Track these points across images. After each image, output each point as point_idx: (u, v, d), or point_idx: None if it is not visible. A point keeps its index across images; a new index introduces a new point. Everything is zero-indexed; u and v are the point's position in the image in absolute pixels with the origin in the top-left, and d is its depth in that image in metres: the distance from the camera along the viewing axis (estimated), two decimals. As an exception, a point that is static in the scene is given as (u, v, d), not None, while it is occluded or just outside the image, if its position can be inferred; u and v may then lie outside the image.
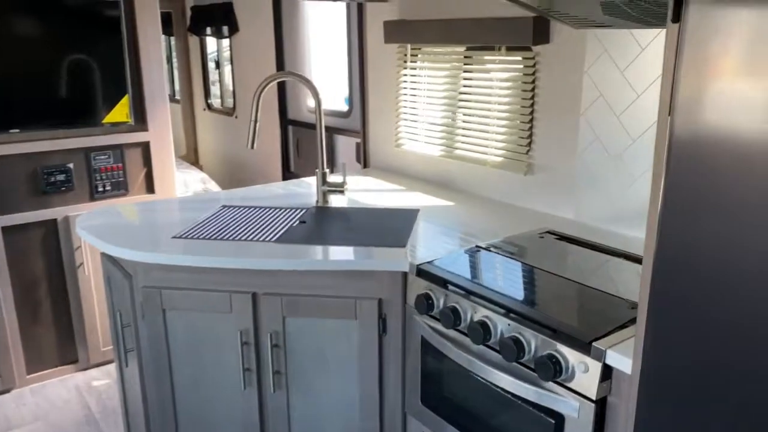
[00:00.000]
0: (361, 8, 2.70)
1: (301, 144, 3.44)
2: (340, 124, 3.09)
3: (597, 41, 1.80)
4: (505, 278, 1.50)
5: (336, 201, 2.23)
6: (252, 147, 2.07)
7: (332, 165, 3.21)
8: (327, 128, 3.18)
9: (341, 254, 1.68)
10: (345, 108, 3.09)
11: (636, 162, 1.76)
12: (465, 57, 2.24)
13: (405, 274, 1.66)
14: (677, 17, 0.86)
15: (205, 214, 2.07)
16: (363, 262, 1.64)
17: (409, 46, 2.47)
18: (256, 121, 2.06)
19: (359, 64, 2.78)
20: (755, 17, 0.79)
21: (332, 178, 2.50)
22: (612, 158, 1.82)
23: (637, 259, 1.61)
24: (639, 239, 1.78)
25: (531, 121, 2.04)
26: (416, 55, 2.46)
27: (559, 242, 1.76)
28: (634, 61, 1.71)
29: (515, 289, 1.44)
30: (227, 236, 1.84)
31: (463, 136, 2.31)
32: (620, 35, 1.74)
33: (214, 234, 1.86)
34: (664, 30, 1.63)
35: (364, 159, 2.89)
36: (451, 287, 1.50)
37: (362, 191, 2.39)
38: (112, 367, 2.99)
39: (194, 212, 2.10)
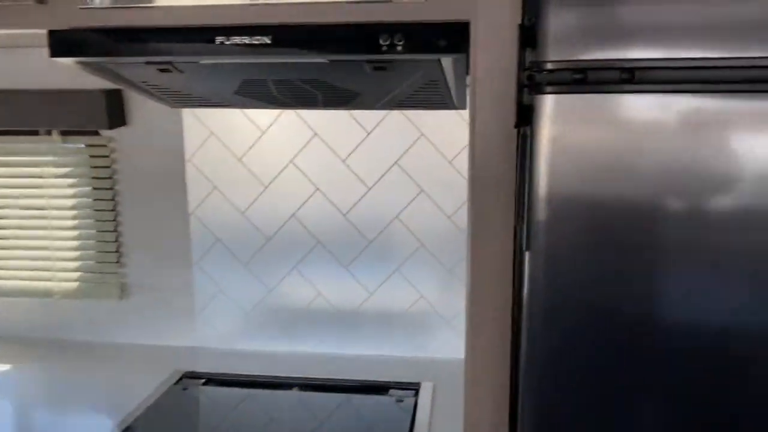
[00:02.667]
0: None
1: None
2: None
3: (198, 123, 1.43)
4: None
5: None
6: None
7: None
8: None
9: None
10: None
11: (272, 263, 1.47)
12: (-21, 144, 1.49)
13: None
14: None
15: None
16: None
17: None
18: None
19: None
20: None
21: None
22: (241, 263, 1.48)
23: (352, 388, 1.34)
24: (291, 353, 1.50)
25: (116, 227, 1.50)
26: None
27: (225, 390, 1.34)
28: (255, 145, 1.42)
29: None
30: None
31: (-3, 259, 1.54)
32: (230, 116, 1.42)
33: None
34: (290, 110, 1.41)
35: None
36: None
37: None
38: None
39: None
